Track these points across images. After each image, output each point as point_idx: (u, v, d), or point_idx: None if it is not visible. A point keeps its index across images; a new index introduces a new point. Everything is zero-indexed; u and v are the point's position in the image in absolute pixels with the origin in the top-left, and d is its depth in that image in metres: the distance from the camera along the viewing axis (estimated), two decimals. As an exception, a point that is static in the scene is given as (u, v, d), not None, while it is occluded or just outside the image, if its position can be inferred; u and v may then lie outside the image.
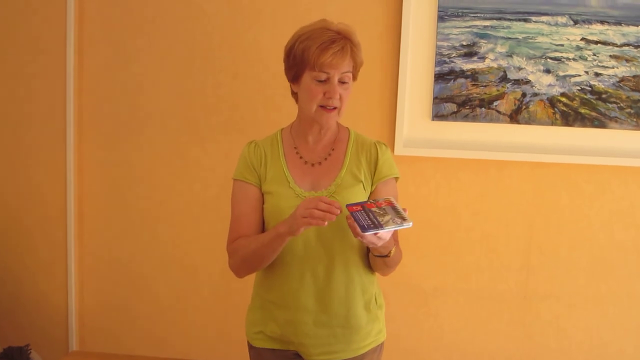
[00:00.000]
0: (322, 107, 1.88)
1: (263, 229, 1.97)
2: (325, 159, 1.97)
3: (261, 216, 1.97)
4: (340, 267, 1.91)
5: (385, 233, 1.69)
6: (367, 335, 1.98)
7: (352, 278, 1.93)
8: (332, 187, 1.92)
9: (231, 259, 1.97)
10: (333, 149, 1.98)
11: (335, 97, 1.86)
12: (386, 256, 1.85)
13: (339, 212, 1.69)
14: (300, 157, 1.98)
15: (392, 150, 2.63)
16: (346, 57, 1.86)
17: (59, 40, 2.76)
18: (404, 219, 1.69)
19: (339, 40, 1.85)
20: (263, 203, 1.96)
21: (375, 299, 2.01)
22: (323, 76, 1.85)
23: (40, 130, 2.83)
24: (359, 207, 1.73)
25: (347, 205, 1.74)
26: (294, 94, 1.98)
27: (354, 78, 1.94)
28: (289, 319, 1.94)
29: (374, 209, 1.72)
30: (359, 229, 1.66)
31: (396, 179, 2.01)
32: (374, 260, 1.92)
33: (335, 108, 1.88)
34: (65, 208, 2.83)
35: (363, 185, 1.94)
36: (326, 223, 1.70)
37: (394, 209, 1.73)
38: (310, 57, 1.84)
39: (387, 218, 1.69)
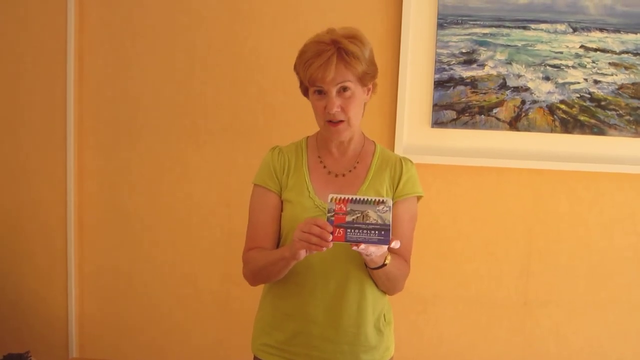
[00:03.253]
0: (329, 122, 1.84)
1: (279, 238, 1.94)
2: (350, 171, 1.93)
3: (279, 225, 1.93)
4: (354, 283, 1.88)
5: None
6: (375, 353, 1.95)
7: (365, 296, 1.90)
8: None
9: (244, 269, 1.94)
10: (358, 162, 1.94)
11: (332, 110, 1.81)
12: (383, 265, 1.79)
13: (330, 237, 1.64)
14: (324, 167, 1.94)
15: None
16: (331, 67, 1.78)
17: (59, 46, 2.76)
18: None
19: (325, 51, 1.79)
20: (282, 211, 1.93)
21: (384, 316, 1.98)
22: (318, 90, 1.83)
23: (40, 136, 2.83)
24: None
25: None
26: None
27: (364, 84, 1.87)
28: (297, 329, 1.91)
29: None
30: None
31: (419, 197, 1.96)
32: (374, 276, 1.86)
33: (341, 121, 1.84)
34: (65, 215, 2.83)
35: None
36: (324, 249, 1.65)
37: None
38: (303, 74, 1.83)
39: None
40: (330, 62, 1.79)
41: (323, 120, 1.85)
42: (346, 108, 1.83)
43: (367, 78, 1.88)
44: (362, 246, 1.65)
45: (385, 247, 1.69)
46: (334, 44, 1.81)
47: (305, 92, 1.92)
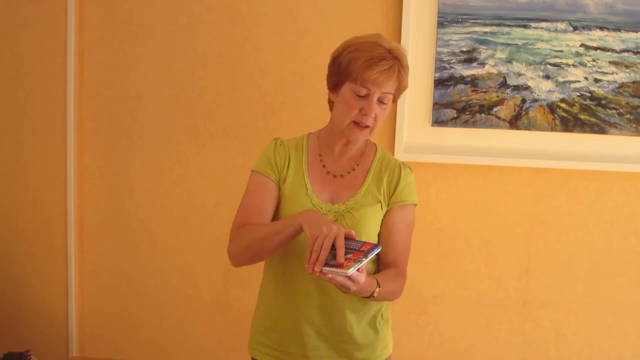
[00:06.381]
0: (355, 123, 1.82)
1: None
2: (349, 172, 1.92)
3: (274, 210, 1.90)
4: None
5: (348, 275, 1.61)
6: (372, 351, 1.94)
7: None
8: (350, 202, 1.87)
9: (233, 244, 1.87)
10: (358, 164, 1.93)
11: (370, 116, 1.79)
12: (370, 296, 1.78)
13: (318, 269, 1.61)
14: (324, 166, 1.93)
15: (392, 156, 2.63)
16: (392, 77, 1.79)
17: (59, 48, 2.77)
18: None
19: (388, 58, 1.79)
20: (279, 205, 1.90)
21: (382, 314, 1.96)
22: (363, 91, 1.79)
23: (40, 137, 2.83)
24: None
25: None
26: (330, 103, 1.92)
27: (394, 100, 1.87)
28: (291, 329, 1.90)
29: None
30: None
31: (414, 205, 1.95)
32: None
33: (367, 127, 1.82)
34: (65, 215, 2.83)
35: (381, 206, 1.89)
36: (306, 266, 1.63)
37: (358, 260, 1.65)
38: (355, 69, 1.78)
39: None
40: (393, 71, 1.79)
41: (350, 119, 1.82)
42: (379, 117, 1.82)
43: (399, 96, 1.89)
44: (329, 275, 1.62)
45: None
46: (391, 53, 1.80)
47: (335, 85, 1.87)
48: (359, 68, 1.78)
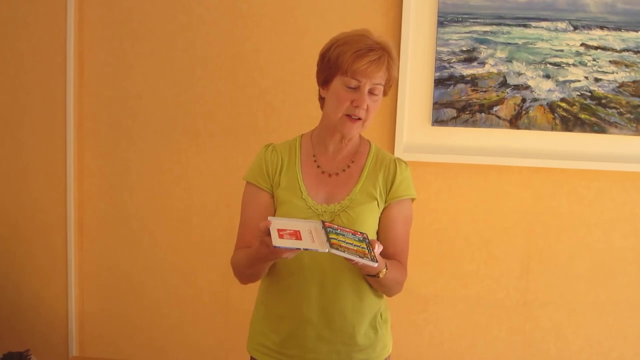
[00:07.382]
0: (347, 116, 1.82)
1: None
2: (344, 170, 1.92)
3: None
4: (348, 283, 1.86)
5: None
6: (372, 352, 1.93)
7: (360, 296, 1.88)
8: (345, 201, 1.87)
9: (233, 272, 1.95)
10: (352, 161, 1.93)
11: (362, 107, 1.80)
12: (376, 276, 1.79)
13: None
14: (318, 166, 1.93)
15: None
16: (382, 68, 1.80)
17: (59, 47, 2.77)
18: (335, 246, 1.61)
19: (377, 49, 1.80)
20: (275, 208, 1.91)
21: (381, 314, 1.96)
22: (354, 83, 1.79)
23: (40, 137, 2.84)
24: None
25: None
26: (321, 99, 1.93)
27: (385, 93, 1.88)
28: (291, 331, 1.90)
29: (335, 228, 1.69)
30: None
31: (412, 200, 1.95)
32: (369, 279, 1.86)
33: (360, 119, 1.82)
34: (65, 215, 2.83)
35: (377, 203, 1.89)
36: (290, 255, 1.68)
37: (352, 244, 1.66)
38: (345, 62, 1.79)
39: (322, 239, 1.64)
40: (382, 61, 1.80)
41: (342, 113, 1.82)
42: (371, 109, 1.83)
43: (389, 88, 1.89)
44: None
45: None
46: (379, 45, 1.82)
47: (325, 80, 1.87)
48: (348, 60, 1.79)
